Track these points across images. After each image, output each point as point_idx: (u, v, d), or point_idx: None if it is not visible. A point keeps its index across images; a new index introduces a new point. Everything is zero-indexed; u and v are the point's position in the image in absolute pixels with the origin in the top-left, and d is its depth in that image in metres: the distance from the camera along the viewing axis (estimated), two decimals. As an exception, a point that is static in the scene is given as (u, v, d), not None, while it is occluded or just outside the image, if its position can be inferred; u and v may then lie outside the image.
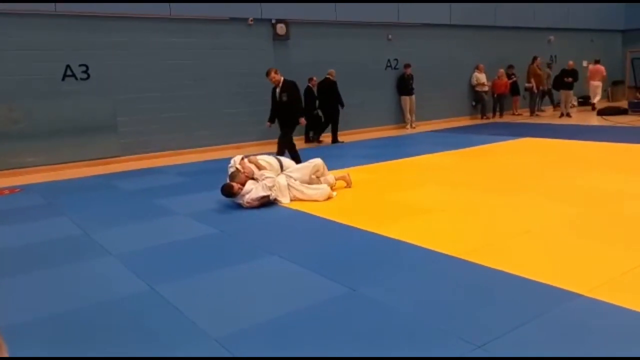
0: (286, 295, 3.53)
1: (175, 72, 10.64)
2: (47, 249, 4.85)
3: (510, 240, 4.42)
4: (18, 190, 7.76)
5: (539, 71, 15.65)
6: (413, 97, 13.80)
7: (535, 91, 15.63)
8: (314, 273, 3.87)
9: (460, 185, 6.63)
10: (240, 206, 5.96)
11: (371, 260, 4.13)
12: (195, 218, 5.66)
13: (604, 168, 7.32)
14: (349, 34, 12.84)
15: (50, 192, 7.53)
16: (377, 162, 7.87)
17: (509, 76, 15.86)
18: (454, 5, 14.53)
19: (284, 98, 8.29)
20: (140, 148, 10.34)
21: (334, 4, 12.32)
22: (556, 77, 15.21)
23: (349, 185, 6.73)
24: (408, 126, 13.91)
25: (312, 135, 12.10)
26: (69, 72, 9.57)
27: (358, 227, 4.99)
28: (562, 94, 15.08)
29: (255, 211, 5.85)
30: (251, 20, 11.40)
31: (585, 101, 17.81)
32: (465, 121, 15.19)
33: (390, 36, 13.67)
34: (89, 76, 9.76)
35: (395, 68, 13.91)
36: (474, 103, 15.73)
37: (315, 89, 11.82)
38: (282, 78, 8.35)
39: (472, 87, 15.54)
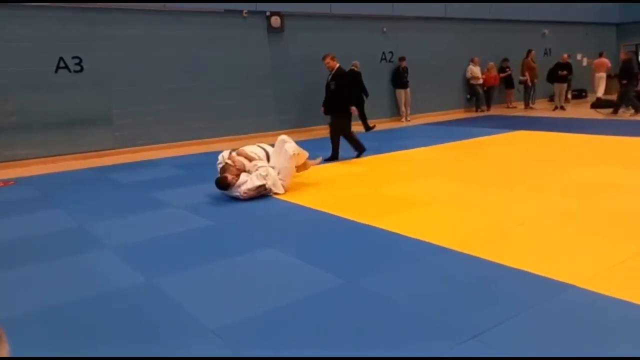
0: (282, 287, 3.55)
1: (170, 64, 10.60)
2: (43, 241, 4.84)
3: (505, 233, 4.46)
4: (12, 182, 7.73)
5: (533, 64, 15.68)
6: (408, 90, 13.80)
7: (530, 84, 15.67)
8: (310, 265, 3.89)
9: (455, 178, 6.66)
10: (236, 199, 5.97)
11: (366, 252, 4.16)
12: (191, 210, 5.67)
13: (598, 161, 7.37)
14: (343, 27, 12.81)
15: (45, 184, 7.51)
16: (372, 155, 7.89)
17: (503, 69, 15.88)
18: (449, -3, 14.53)
19: (332, 86, 8.24)
20: (135, 140, 10.31)
21: (328, -4, 12.29)
22: (550, 70, 15.24)
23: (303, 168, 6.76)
24: (403, 119, 13.91)
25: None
26: (62, 65, 9.51)
27: (354, 219, 5.01)
28: (556, 87, 15.11)
29: (252, 203, 5.86)
30: (246, 13, 11.36)
31: (579, 94, 17.87)
32: (460, 114, 15.21)
33: (385, 29, 13.65)
34: (82, 68, 9.71)
35: (390, 61, 13.90)
36: (468, 96, 15.76)
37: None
38: (337, 65, 8.23)
39: (467, 80, 15.56)
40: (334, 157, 8.17)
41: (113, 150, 10.05)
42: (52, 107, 9.43)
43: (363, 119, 12.12)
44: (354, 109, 8.29)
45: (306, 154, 6.60)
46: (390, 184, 6.57)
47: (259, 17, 11.60)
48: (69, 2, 9.39)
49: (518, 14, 16.32)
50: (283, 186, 6.20)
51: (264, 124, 11.84)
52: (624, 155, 7.81)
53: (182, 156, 9.57)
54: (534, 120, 12.88)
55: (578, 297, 3.17)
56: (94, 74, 9.81)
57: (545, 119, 13.09)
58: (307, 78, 12.26)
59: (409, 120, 13.86)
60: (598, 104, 14.75)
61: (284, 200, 5.97)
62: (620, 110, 13.09)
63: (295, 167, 6.49)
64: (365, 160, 8.25)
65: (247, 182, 5.95)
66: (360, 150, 8.28)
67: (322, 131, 12.04)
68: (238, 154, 6.36)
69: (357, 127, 11.90)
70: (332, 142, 8.25)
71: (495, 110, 15.61)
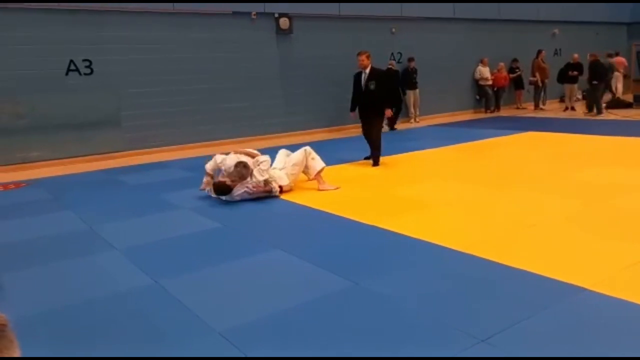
0: (290, 288, 3.54)
1: (179, 66, 10.63)
2: (52, 243, 4.87)
3: (515, 234, 4.42)
4: (23, 184, 7.79)
5: (543, 64, 15.57)
6: (417, 91, 13.76)
7: (540, 85, 15.56)
8: (318, 267, 3.88)
9: (464, 180, 6.62)
10: (241, 201, 5.96)
11: (374, 254, 4.14)
12: (199, 212, 5.68)
13: (609, 162, 7.30)
14: (352, 28, 12.79)
15: (55, 186, 7.56)
16: (381, 156, 7.86)
17: (513, 70, 15.78)
18: (458, -2, 14.47)
19: (372, 87, 7.69)
20: (144, 142, 10.35)
21: (337, -3, 12.29)
22: (561, 71, 15.10)
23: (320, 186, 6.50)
24: (412, 120, 13.87)
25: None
26: (72, 67, 9.57)
27: (361, 221, 5.00)
28: (566, 88, 14.98)
29: (259, 205, 5.86)
30: (254, 15, 11.38)
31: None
32: (469, 115, 15.14)
33: (393, 30, 13.62)
34: (92, 71, 9.76)
35: (399, 62, 13.87)
36: (477, 97, 15.68)
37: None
38: (370, 64, 7.76)
39: (476, 81, 15.48)
40: (377, 160, 7.84)
41: (122, 152, 10.09)
42: (62, 109, 9.49)
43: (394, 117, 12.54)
44: (389, 111, 8.00)
45: (323, 164, 6.53)
46: (399, 185, 6.54)
47: (267, 19, 11.61)
48: (80, 2, 9.44)
49: (528, 14, 16.22)
50: (288, 177, 6.22)
51: (272, 126, 11.85)
52: (635, 156, 7.73)
53: (191, 158, 9.59)
54: (544, 121, 12.79)
55: (589, 300, 3.13)
56: (103, 76, 9.87)
57: (556, 120, 12.99)
58: (316, 80, 12.27)
59: (418, 122, 13.81)
60: (610, 105, 14.61)
61: (291, 202, 5.97)
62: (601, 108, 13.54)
63: (306, 172, 6.51)
64: (373, 161, 8.21)
65: (248, 182, 5.95)
66: (376, 161, 7.85)
67: (331, 134, 12.04)
68: (238, 152, 6.35)
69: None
70: (375, 143, 7.81)
71: (505, 111, 15.51)
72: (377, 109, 7.79)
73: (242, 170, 5.95)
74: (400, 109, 12.60)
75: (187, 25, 10.66)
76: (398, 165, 7.88)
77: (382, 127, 7.90)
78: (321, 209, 5.56)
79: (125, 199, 6.59)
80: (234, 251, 4.37)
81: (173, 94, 10.63)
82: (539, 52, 15.63)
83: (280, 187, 6.20)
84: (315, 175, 6.49)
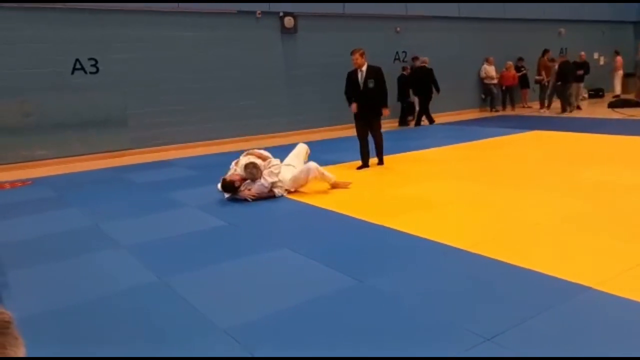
0: (295, 286, 3.55)
1: (184, 65, 10.66)
2: (58, 241, 4.89)
3: (520, 233, 4.41)
4: (29, 182, 7.83)
5: (549, 64, 15.51)
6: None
7: (546, 84, 15.50)
8: (323, 265, 3.88)
9: (469, 179, 6.61)
10: (246, 200, 5.97)
11: (379, 252, 4.14)
12: (205, 210, 5.69)
13: (614, 161, 7.26)
14: (357, 27, 12.78)
15: (61, 184, 7.59)
16: (386, 155, 7.84)
17: (518, 69, 15.72)
18: (463, -3, 14.44)
19: (370, 85, 7.46)
20: (150, 141, 10.38)
21: (342, -4, 12.28)
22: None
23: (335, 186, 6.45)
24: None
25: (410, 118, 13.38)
26: (78, 66, 9.61)
27: (366, 219, 5.00)
28: (573, 87, 14.91)
29: (265, 204, 5.87)
30: (259, 14, 11.38)
31: (596, 93, 17.67)
32: (474, 114, 15.10)
33: (398, 29, 13.60)
34: (98, 70, 9.80)
35: (403, 61, 13.85)
36: (483, 96, 15.64)
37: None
38: (365, 62, 7.55)
39: (481, 80, 15.44)
40: (382, 158, 7.74)
41: (128, 151, 10.13)
42: (68, 108, 9.54)
43: (426, 112, 12.98)
44: (386, 110, 7.72)
45: (332, 178, 6.41)
46: (404, 184, 6.54)
47: (272, 18, 11.62)
48: (85, 2, 9.48)
49: (533, 13, 16.16)
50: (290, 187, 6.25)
51: (277, 125, 11.87)
52: (642, 155, 7.70)
53: (196, 157, 9.62)
54: (550, 120, 12.75)
55: (594, 300, 3.12)
56: (109, 75, 9.90)
57: (561, 119, 12.94)
58: (321, 78, 12.27)
59: (423, 120, 13.78)
60: (616, 104, 14.56)
61: (297, 201, 5.97)
62: (568, 109, 14.17)
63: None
64: (378, 160, 8.20)
65: (260, 181, 5.97)
66: (381, 159, 7.74)
67: (336, 132, 12.04)
68: (249, 154, 6.37)
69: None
70: (378, 143, 7.70)
71: (510, 110, 15.47)
72: (377, 108, 7.60)
73: (253, 171, 5.99)
74: (427, 106, 13.06)
75: (192, 24, 10.68)
76: (403, 164, 7.87)
77: (381, 126, 7.74)
78: (327, 207, 5.56)
79: (131, 197, 6.61)
80: (240, 249, 4.38)
81: (179, 93, 10.66)
82: (545, 51, 15.57)
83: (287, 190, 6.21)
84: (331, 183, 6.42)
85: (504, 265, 3.70)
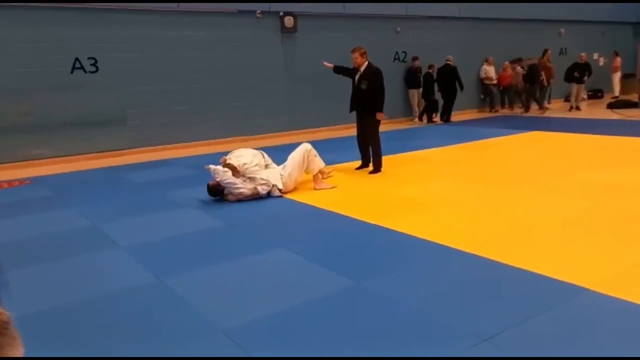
0: (293, 288, 3.55)
1: (184, 65, 10.65)
2: (56, 240, 4.89)
3: (518, 234, 4.41)
4: (27, 182, 7.82)
5: (549, 64, 15.52)
6: (421, 90, 13.74)
7: (546, 84, 15.50)
8: (320, 266, 3.88)
9: (467, 179, 6.61)
10: (244, 200, 5.97)
11: (377, 253, 4.14)
12: (203, 210, 5.69)
13: (613, 162, 7.27)
14: (357, 27, 12.78)
15: (59, 184, 7.59)
16: (384, 155, 7.83)
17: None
18: (463, -3, 14.44)
19: (363, 86, 7.20)
20: (149, 140, 10.37)
21: (342, -4, 12.27)
22: (568, 70, 15.02)
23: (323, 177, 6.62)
24: (416, 119, 13.85)
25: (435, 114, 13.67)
26: (77, 65, 9.60)
27: (364, 219, 5.00)
28: (573, 87, 14.93)
29: (262, 204, 5.87)
30: (259, 13, 11.38)
31: (595, 94, 17.67)
32: (473, 114, 15.10)
33: (398, 29, 13.60)
34: (97, 69, 9.79)
35: (403, 61, 13.85)
36: (482, 96, 15.64)
37: (434, 75, 13.38)
38: (366, 62, 7.27)
39: (481, 80, 15.44)
40: (377, 166, 7.35)
41: (127, 150, 10.12)
42: (67, 107, 9.53)
43: (448, 111, 13.43)
44: (381, 114, 7.29)
45: (322, 164, 6.54)
46: (402, 184, 6.53)
47: (272, 18, 11.62)
48: (84, 2, 9.47)
49: (533, 14, 16.16)
50: (290, 179, 6.27)
51: (276, 125, 11.86)
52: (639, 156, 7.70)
53: (195, 156, 9.60)
54: (549, 120, 12.75)
55: (592, 301, 3.12)
56: (108, 74, 9.89)
57: (560, 119, 12.95)
58: (320, 78, 12.24)
59: (422, 121, 13.79)
60: (616, 105, 14.57)
61: (294, 201, 5.97)
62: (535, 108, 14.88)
63: (307, 170, 6.50)
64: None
65: (239, 184, 5.99)
66: (376, 167, 7.35)
67: (335, 132, 12.03)
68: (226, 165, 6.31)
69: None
70: (373, 147, 7.37)
71: (508, 111, 15.46)
72: (368, 111, 7.27)
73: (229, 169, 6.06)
74: (452, 103, 13.48)
75: (191, 24, 10.67)
76: (401, 164, 7.87)
77: (378, 129, 7.38)
78: (325, 207, 5.56)
79: (129, 197, 6.61)
80: (238, 250, 4.37)
81: (178, 92, 10.65)
82: (545, 51, 15.58)
83: (280, 190, 6.20)
84: (314, 174, 6.50)
85: (502, 266, 3.70)
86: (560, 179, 6.35)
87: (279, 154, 6.69)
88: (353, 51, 7.37)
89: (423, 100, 13.69)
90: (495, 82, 15.31)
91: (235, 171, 6.04)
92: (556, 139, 9.71)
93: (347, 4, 12.38)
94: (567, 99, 16.12)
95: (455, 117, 14.43)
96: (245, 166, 6.13)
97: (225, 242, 4.64)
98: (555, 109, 15.41)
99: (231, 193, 5.99)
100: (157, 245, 4.61)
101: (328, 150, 7.83)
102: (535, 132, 10.60)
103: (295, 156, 6.42)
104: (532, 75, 14.47)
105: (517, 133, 10.48)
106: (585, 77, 14.71)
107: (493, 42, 15.40)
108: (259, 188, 6.07)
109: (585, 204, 5.18)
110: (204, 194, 6.28)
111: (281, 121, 11.97)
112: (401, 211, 5.29)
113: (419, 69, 13.56)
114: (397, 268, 3.79)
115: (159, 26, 10.34)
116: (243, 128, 11.42)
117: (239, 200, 5.96)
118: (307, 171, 6.51)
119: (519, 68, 14.97)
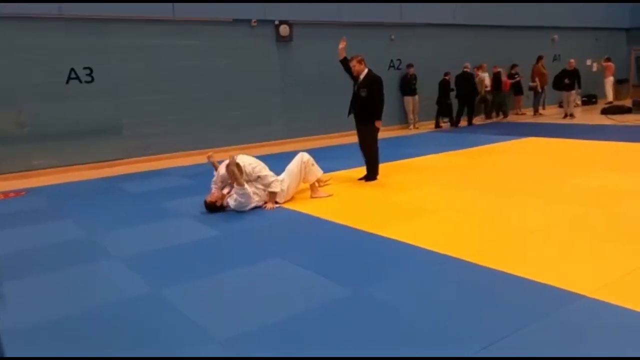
0: (290, 297, 3.54)
1: (179, 74, 10.67)
2: (52, 251, 4.87)
3: (515, 241, 4.42)
4: (23, 193, 7.80)
5: (544, 70, 15.59)
6: (416, 97, 13.80)
7: (540, 90, 15.57)
8: (318, 275, 3.88)
9: (464, 186, 6.62)
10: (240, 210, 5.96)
11: (374, 261, 4.14)
12: (199, 220, 5.68)
13: (609, 167, 7.30)
14: (351, 35, 12.69)
15: (55, 195, 7.57)
16: (380, 163, 7.84)
17: (512, 76, 15.76)
18: (457, 4, 14.50)
19: (363, 94, 7.12)
20: (144, 150, 10.37)
21: (336, 4, 12.32)
22: (556, 77, 14.96)
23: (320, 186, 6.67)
24: (411, 126, 13.90)
25: (444, 119, 14.20)
26: (73, 75, 9.61)
27: (361, 228, 5.00)
28: (563, 95, 14.85)
29: (258, 213, 5.86)
30: (255, 22, 11.42)
31: (589, 100, 17.75)
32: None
33: (393, 36, 13.66)
34: (93, 79, 9.80)
35: (398, 68, 13.91)
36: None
37: (452, 81, 13.93)
38: (365, 70, 7.20)
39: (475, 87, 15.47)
40: (372, 173, 7.30)
41: (123, 160, 10.11)
42: (63, 117, 9.53)
43: (469, 116, 14.15)
44: (379, 122, 7.21)
45: (320, 172, 6.54)
46: (398, 192, 6.54)
47: (267, 26, 11.66)
48: (80, 11, 9.47)
49: (527, 20, 16.27)
50: (288, 189, 6.25)
51: (272, 133, 11.88)
52: (635, 161, 7.73)
53: (191, 166, 9.60)
54: (544, 126, 12.80)
55: (589, 308, 3.12)
56: (104, 84, 9.90)
57: (555, 125, 13.00)
58: (316, 86, 12.30)
59: (417, 128, 13.83)
60: (609, 110, 14.64)
61: (290, 210, 5.97)
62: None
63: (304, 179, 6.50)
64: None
65: (237, 195, 5.92)
66: (371, 175, 7.31)
67: (331, 140, 12.06)
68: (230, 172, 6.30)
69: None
70: (369, 156, 7.32)
71: (501, 117, 15.49)
72: (367, 119, 7.21)
73: (234, 169, 5.87)
74: (472, 107, 14.24)
75: (187, 33, 10.70)
76: (397, 172, 7.88)
77: (377, 138, 7.31)
78: (321, 216, 5.56)
79: (125, 207, 6.59)
80: (234, 259, 4.36)
81: (174, 102, 10.66)
82: (540, 57, 15.66)
83: (276, 202, 6.18)
84: (311, 183, 6.50)
85: (499, 273, 3.71)
86: (556, 185, 6.37)
87: (274, 163, 6.69)
88: (351, 59, 7.30)
89: (437, 106, 14.09)
90: (489, 88, 15.34)
91: (239, 170, 5.95)
92: (551, 145, 9.75)
93: (341, 12, 12.43)
94: (561, 105, 16.14)
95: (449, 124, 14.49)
96: (252, 166, 6.10)
97: (222, 251, 4.63)
98: (550, 115, 15.47)
99: (239, 202, 5.89)
100: (154, 255, 4.60)
101: (324, 158, 7.84)
102: (531, 138, 10.64)
103: (291, 168, 6.41)
104: (497, 84, 15.12)
105: (512, 139, 10.52)
106: (577, 88, 14.53)
107: (487, 49, 15.47)
108: (255, 198, 6.02)
109: (581, 210, 5.20)
110: (200, 204, 6.27)
111: (277, 130, 11.99)
112: (397, 219, 5.30)
113: (414, 77, 13.62)
114: (395, 276, 3.79)
115: (154, 36, 10.36)
116: (239, 137, 11.43)
117: (236, 211, 5.92)
118: (304, 181, 6.51)
119: (482, 75, 14.89)
